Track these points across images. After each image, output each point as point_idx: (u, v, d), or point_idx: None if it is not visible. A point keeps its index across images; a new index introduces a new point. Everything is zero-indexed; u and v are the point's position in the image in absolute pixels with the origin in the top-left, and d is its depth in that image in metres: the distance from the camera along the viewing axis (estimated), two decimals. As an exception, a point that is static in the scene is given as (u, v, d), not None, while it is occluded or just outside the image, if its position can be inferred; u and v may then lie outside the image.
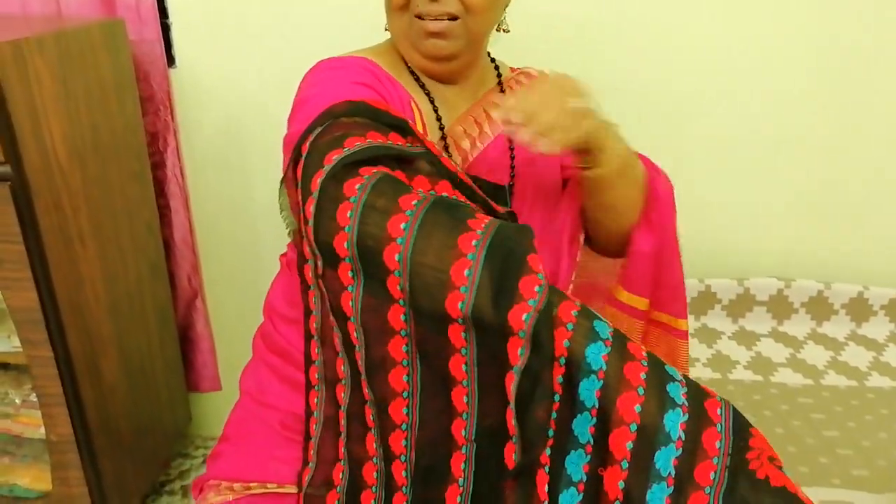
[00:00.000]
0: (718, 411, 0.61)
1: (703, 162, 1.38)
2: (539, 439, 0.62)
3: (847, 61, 1.29)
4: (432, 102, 0.84)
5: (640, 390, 0.60)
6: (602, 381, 0.61)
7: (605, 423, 0.61)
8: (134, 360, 1.34)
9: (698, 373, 1.30)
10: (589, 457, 0.62)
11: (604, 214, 0.85)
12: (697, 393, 0.62)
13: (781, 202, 1.41)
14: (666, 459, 0.59)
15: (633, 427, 0.60)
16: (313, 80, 0.79)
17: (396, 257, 0.62)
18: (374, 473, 0.71)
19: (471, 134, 0.85)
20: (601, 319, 0.64)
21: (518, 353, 0.59)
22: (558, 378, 0.62)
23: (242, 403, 0.88)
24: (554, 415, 0.63)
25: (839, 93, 1.32)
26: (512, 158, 0.88)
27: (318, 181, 0.64)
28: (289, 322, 0.84)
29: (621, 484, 0.60)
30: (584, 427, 0.62)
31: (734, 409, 0.63)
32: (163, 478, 1.60)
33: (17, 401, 1.28)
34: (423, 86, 0.84)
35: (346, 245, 0.64)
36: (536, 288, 0.59)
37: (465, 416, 0.65)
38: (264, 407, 0.84)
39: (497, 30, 0.86)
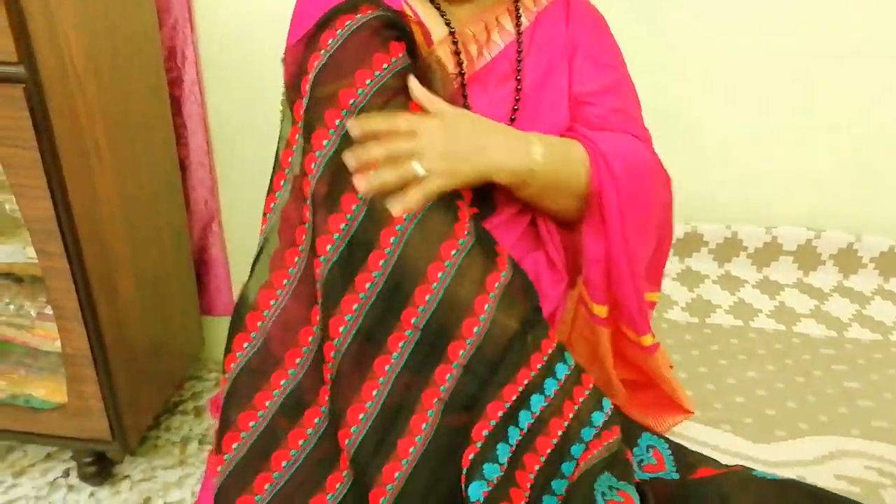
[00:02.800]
0: None
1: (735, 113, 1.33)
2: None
3: (883, 12, 1.23)
4: (438, 8, 0.79)
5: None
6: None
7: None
8: (148, 280, 1.34)
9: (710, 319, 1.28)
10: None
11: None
12: None
13: (814, 153, 1.36)
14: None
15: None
16: None
17: None
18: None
19: (479, 39, 0.80)
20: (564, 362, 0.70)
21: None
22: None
23: None
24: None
25: (871, 42, 1.25)
26: (518, 78, 0.81)
27: (328, 41, 0.65)
28: None
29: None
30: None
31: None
32: (175, 398, 1.62)
33: (32, 313, 1.28)
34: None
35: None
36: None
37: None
38: None
39: None
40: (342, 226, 0.65)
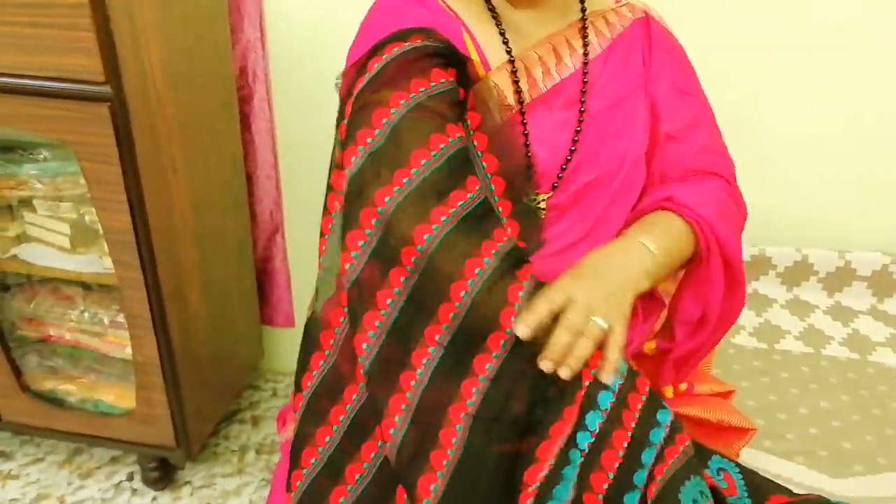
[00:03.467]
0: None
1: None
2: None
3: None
4: (499, 25, 0.79)
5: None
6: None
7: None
8: (214, 291, 1.37)
9: (781, 346, 1.24)
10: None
11: None
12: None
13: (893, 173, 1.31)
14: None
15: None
16: (370, 15, 0.79)
17: None
18: None
19: (545, 62, 0.79)
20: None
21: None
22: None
23: None
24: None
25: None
26: (583, 101, 0.80)
27: (374, 65, 0.69)
28: None
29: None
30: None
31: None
32: (234, 407, 1.65)
33: (105, 321, 1.33)
34: (492, 9, 0.79)
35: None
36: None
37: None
38: None
39: None
40: (360, 242, 0.67)
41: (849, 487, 0.93)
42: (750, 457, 0.91)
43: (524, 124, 0.77)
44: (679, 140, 0.82)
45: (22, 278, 1.37)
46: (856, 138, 1.30)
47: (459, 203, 0.67)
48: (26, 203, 1.24)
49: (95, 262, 1.24)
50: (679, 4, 1.19)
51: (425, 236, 0.65)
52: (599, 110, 0.80)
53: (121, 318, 1.30)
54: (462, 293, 0.65)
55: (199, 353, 1.34)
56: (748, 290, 1.36)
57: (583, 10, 0.81)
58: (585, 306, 0.65)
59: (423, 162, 0.67)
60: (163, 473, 1.44)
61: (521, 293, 0.65)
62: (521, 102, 0.77)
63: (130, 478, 1.48)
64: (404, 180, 0.66)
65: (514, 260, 0.67)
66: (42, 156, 1.19)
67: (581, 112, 0.79)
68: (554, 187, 0.78)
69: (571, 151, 0.78)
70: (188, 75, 1.17)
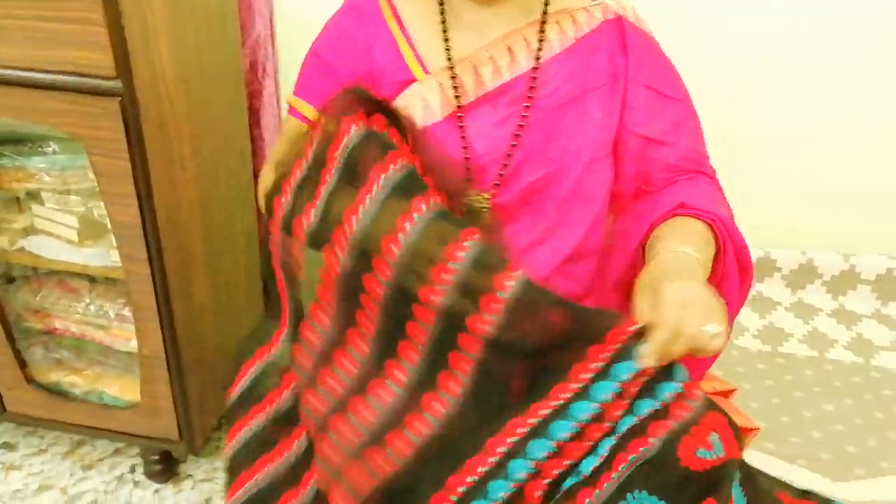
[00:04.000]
0: None
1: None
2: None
3: None
4: (445, 31, 0.81)
5: None
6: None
7: None
8: (221, 285, 1.37)
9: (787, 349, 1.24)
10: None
11: None
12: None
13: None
14: None
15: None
16: (323, 30, 0.86)
17: None
18: None
19: (496, 60, 0.80)
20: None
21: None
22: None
23: None
24: None
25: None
26: (530, 96, 0.80)
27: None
28: None
29: None
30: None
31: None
32: (237, 401, 1.65)
33: (111, 314, 1.33)
34: (443, 12, 0.81)
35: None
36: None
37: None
38: None
39: None
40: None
41: (851, 491, 0.94)
42: (752, 459, 0.91)
43: (462, 127, 0.78)
44: (662, 143, 0.82)
45: (28, 270, 1.37)
46: (862, 142, 1.30)
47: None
48: (34, 196, 1.24)
49: (102, 256, 1.24)
50: (684, 7, 1.20)
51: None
52: (550, 108, 0.80)
53: (126, 312, 1.30)
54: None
55: (204, 346, 1.34)
56: (752, 292, 1.37)
57: (545, 9, 0.82)
58: (693, 318, 0.62)
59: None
60: (165, 466, 1.44)
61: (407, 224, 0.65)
62: (457, 100, 0.78)
63: (133, 470, 1.49)
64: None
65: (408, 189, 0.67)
66: (51, 149, 1.19)
67: (526, 108, 0.79)
68: (496, 185, 0.78)
69: (513, 146, 0.78)
70: (198, 71, 1.17)
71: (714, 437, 0.62)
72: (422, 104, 0.79)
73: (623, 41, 0.83)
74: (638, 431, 0.63)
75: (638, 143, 0.82)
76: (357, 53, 0.83)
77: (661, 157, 0.82)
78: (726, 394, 0.88)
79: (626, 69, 0.82)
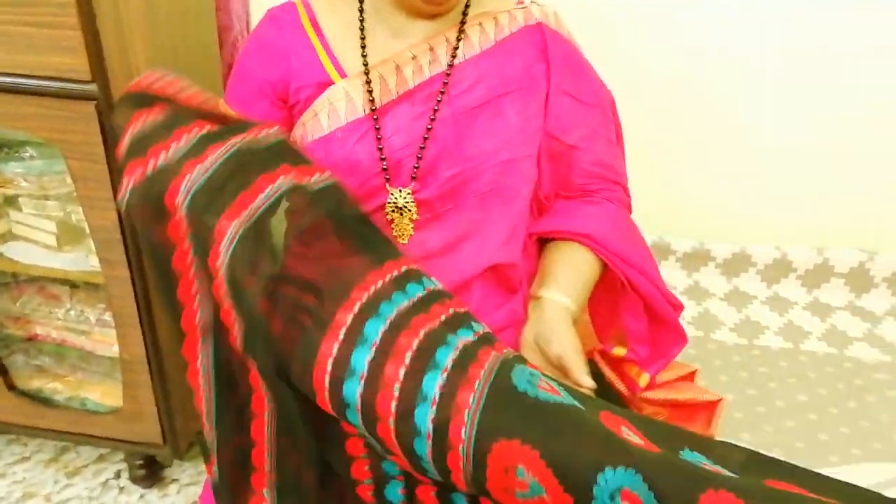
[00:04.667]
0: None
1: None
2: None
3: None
4: (363, 38, 0.84)
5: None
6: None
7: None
8: (202, 289, 1.37)
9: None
10: None
11: None
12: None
13: (870, 173, 1.34)
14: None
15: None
16: (248, 40, 0.90)
17: None
18: None
19: (419, 60, 0.83)
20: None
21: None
22: None
23: None
24: None
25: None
26: (439, 99, 0.83)
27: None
28: None
29: None
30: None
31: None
32: (222, 405, 1.65)
33: (91, 319, 1.33)
34: (362, 19, 0.85)
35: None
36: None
37: None
38: None
39: None
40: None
41: (824, 478, 0.95)
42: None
43: (378, 129, 0.81)
44: (580, 149, 0.85)
45: (7, 277, 1.37)
46: (835, 140, 1.33)
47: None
48: (12, 201, 1.24)
49: (82, 261, 1.24)
50: (661, 14, 1.22)
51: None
52: (464, 109, 0.83)
53: (107, 317, 1.30)
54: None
55: (186, 350, 1.34)
56: (730, 286, 1.39)
57: (465, 10, 0.85)
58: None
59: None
60: (150, 471, 1.44)
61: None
62: (371, 102, 0.81)
63: (118, 476, 1.48)
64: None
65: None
66: (28, 154, 1.19)
67: (438, 102, 0.82)
68: (413, 178, 0.81)
69: (425, 139, 0.81)
70: (174, 74, 1.17)
71: None
72: (342, 104, 0.82)
73: (544, 48, 0.86)
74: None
75: (559, 149, 0.85)
76: (275, 60, 0.86)
77: (579, 162, 0.86)
78: (689, 377, 0.91)
79: (549, 77, 0.85)
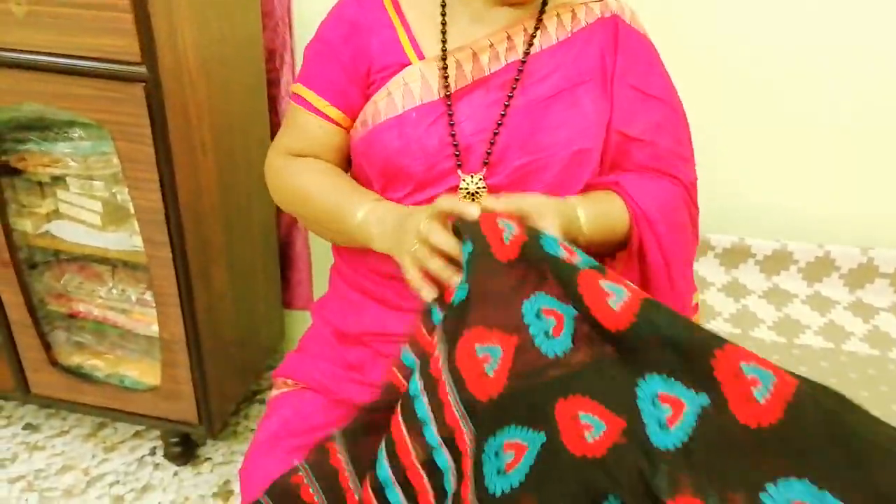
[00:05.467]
0: None
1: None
2: None
3: None
4: (444, 24, 0.84)
5: None
6: None
7: None
8: (239, 272, 1.39)
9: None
10: None
11: None
12: None
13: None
14: None
15: None
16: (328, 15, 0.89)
17: None
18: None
19: (496, 48, 0.83)
20: None
21: None
22: None
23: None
24: None
25: None
26: (514, 87, 0.82)
27: None
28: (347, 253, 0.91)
29: None
30: None
31: None
32: (254, 387, 1.68)
33: (132, 298, 1.36)
34: (444, 4, 0.85)
35: None
36: None
37: None
38: (325, 324, 0.95)
39: None
40: None
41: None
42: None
43: (450, 115, 0.81)
44: (642, 142, 0.84)
45: (50, 255, 1.40)
46: (882, 136, 1.29)
47: None
48: (59, 181, 1.27)
49: (125, 241, 1.26)
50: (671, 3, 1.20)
51: None
52: (539, 98, 0.83)
53: (147, 296, 1.32)
54: None
55: (223, 332, 1.36)
56: (768, 284, 1.36)
57: (544, 2, 0.85)
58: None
59: None
60: (184, 449, 1.47)
61: None
62: (446, 88, 0.82)
63: (153, 452, 1.51)
64: None
65: None
66: (76, 135, 1.21)
67: (513, 89, 0.82)
68: (485, 164, 0.80)
69: (499, 126, 0.81)
70: (220, 58, 1.18)
71: None
72: (417, 85, 0.82)
73: (616, 40, 0.85)
74: None
75: (617, 140, 0.84)
76: (357, 40, 0.86)
77: (640, 156, 0.85)
78: None
79: (615, 68, 0.84)
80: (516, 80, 0.82)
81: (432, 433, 0.63)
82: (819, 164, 1.33)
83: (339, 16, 0.88)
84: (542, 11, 0.85)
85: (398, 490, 0.65)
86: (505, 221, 0.67)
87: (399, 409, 0.66)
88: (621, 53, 0.85)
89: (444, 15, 0.85)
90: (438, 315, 0.67)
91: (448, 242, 0.68)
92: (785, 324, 1.28)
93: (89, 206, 1.25)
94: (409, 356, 0.69)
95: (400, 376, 0.70)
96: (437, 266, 0.68)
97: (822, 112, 1.29)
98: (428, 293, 0.69)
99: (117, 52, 0.99)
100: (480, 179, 0.81)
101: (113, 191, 1.23)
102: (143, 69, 1.01)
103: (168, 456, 1.48)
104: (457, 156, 0.80)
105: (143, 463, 1.49)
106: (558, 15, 0.85)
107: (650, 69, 0.87)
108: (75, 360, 1.43)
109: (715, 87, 1.29)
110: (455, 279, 0.67)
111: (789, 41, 1.25)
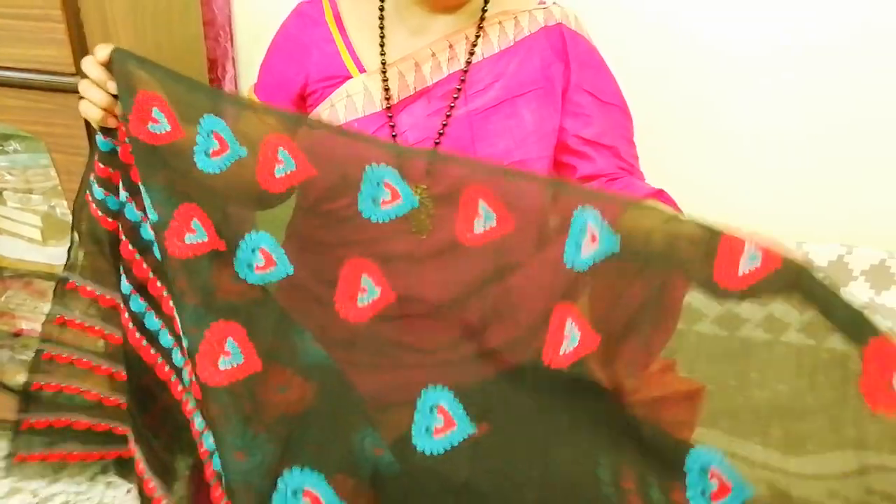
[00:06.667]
0: None
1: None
2: None
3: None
4: (382, 36, 0.85)
5: None
6: None
7: None
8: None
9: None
10: None
11: None
12: None
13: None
14: None
15: None
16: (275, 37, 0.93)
17: None
18: None
19: (438, 58, 0.84)
20: None
21: None
22: None
23: None
24: None
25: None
26: (455, 97, 0.84)
27: None
28: None
29: None
30: None
31: None
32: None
33: (78, 313, 1.33)
34: (382, 17, 0.86)
35: None
36: None
37: None
38: None
39: None
40: None
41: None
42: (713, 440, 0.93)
43: (392, 127, 0.83)
44: (603, 146, 0.86)
45: (-8, 273, 1.37)
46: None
47: None
48: (-4, 195, 1.24)
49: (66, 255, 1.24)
50: (644, 7, 1.22)
51: None
52: (479, 108, 0.84)
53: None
54: None
55: (172, 344, 1.34)
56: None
57: (483, 9, 0.86)
58: None
59: None
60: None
61: None
62: (388, 100, 0.83)
63: (105, 471, 1.48)
64: None
65: None
66: (12, 148, 1.19)
67: (454, 99, 0.83)
68: (428, 173, 0.81)
69: (440, 135, 0.82)
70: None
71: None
72: (360, 97, 0.83)
73: (563, 48, 0.87)
74: None
75: (577, 143, 0.86)
76: (296, 55, 0.88)
77: (599, 159, 0.87)
78: (667, 369, 0.90)
79: (568, 76, 0.86)
80: (458, 89, 0.83)
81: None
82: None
83: (283, 34, 0.91)
84: (482, 18, 0.86)
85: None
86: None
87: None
88: (574, 61, 0.87)
89: (382, 27, 0.86)
90: (106, 144, 0.81)
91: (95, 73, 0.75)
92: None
93: (28, 220, 1.22)
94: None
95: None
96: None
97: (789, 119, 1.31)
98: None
99: (50, 63, 0.98)
100: (425, 190, 0.81)
101: (52, 204, 1.21)
102: (77, 80, 0.99)
103: (120, 474, 1.45)
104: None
105: (94, 482, 1.46)
106: (500, 23, 0.86)
107: (600, 74, 0.89)
108: (20, 379, 1.39)
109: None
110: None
111: (764, 42, 1.27)
